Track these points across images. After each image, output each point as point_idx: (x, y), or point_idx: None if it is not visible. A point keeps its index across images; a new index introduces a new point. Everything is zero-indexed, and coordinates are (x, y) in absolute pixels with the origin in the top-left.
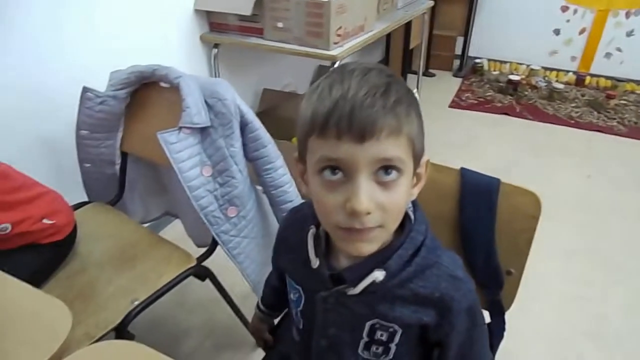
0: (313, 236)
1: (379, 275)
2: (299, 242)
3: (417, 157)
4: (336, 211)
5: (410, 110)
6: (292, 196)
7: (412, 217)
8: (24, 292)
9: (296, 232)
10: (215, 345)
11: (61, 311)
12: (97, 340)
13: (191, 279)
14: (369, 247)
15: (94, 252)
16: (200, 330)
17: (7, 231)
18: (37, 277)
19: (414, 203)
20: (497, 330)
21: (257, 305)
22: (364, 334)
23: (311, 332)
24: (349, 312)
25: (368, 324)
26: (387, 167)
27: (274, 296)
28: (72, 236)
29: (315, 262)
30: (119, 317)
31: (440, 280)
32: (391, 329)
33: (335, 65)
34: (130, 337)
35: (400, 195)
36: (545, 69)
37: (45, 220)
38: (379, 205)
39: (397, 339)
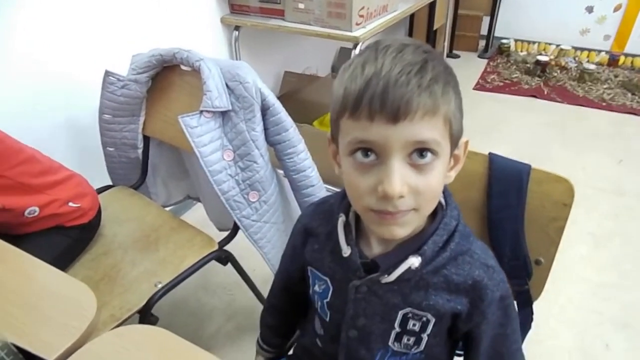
0: (343, 224)
1: (414, 261)
2: (327, 232)
3: (454, 138)
4: (368, 194)
5: (447, 89)
6: (314, 181)
7: (444, 202)
8: (51, 275)
9: (323, 223)
10: (237, 327)
11: (87, 295)
12: (121, 322)
13: (213, 262)
14: (402, 230)
15: (118, 235)
16: (222, 312)
17: (35, 214)
18: (63, 259)
19: (444, 189)
20: (524, 321)
21: (259, 343)
22: (396, 324)
23: (339, 324)
24: (381, 302)
25: (400, 313)
26: (422, 149)
27: (274, 336)
28: (96, 219)
29: (346, 251)
30: (143, 299)
31: (474, 268)
32: (424, 318)
33: (358, 47)
34: (154, 319)
35: (436, 178)
36: (576, 48)
37: (70, 204)
38: (412, 188)
39: (429, 329)
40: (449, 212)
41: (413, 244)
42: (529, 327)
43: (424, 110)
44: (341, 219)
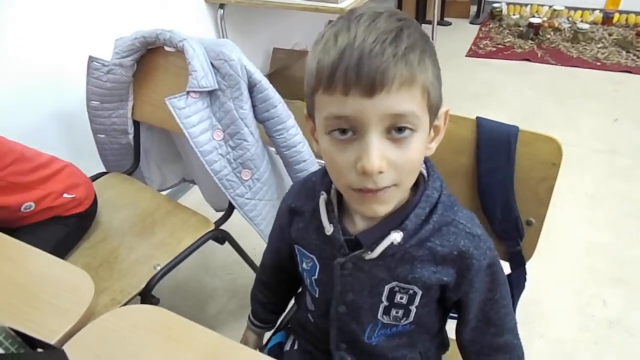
0: (325, 202)
1: (396, 237)
2: (310, 210)
3: (433, 108)
4: (348, 171)
5: (423, 57)
6: (306, 156)
7: (426, 174)
8: (48, 262)
9: (307, 202)
10: (240, 305)
11: (84, 279)
12: (123, 306)
13: (213, 244)
14: (383, 207)
15: (114, 221)
16: (224, 292)
17: (32, 209)
18: (62, 248)
19: (426, 160)
20: (518, 282)
21: (250, 319)
22: (383, 298)
23: (328, 300)
24: (367, 277)
25: (387, 287)
26: (400, 127)
27: (266, 313)
28: (93, 207)
29: (329, 229)
30: (143, 282)
31: (459, 238)
32: (411, 291)
33: None
34: (155, 301)
35: (416, 152)
36: (569, 8)
37: (65, 195)
38: (391, 163)
39: (417, 301)
40: (431, 183)
41: (396, 219)
42: (523, 287)
43: (401, 80)
44: (322, 197)
